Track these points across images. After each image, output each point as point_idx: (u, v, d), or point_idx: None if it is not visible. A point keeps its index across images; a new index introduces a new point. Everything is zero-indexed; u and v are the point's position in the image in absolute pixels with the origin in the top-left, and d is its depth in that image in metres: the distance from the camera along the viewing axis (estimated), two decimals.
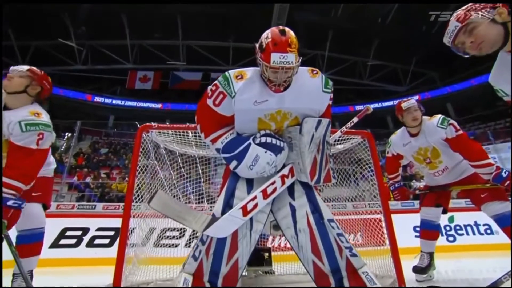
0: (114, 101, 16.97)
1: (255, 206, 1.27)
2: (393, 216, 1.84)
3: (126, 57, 16.23)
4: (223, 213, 1.28)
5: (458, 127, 1.98)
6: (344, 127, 1.91)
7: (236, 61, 16.07)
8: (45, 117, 1.60)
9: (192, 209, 1.31)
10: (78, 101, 16.30)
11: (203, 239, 1.26)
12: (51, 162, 1.86)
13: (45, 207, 1.80)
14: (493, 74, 1.10)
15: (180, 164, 2.46)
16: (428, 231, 2.22)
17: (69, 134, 11.87)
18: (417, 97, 16.04)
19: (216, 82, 1.32)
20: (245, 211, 1.25)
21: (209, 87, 1.34)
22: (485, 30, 0.99)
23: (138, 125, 1.87)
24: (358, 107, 17.36)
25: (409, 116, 2.08)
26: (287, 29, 1.22)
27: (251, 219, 1.29)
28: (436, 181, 2.22)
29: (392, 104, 16.81)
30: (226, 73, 1.32)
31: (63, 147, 11.52)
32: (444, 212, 2.21)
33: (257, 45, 1.27)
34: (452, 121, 2.01)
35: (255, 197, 1.27)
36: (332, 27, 14.81)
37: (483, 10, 1.01)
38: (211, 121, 1.38)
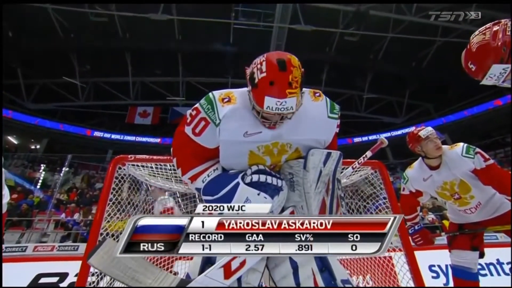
0: (113, 136, 17.03)
1: (242, 264, 0.96)
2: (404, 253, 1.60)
3: (127, 93, 16.73)
4: (202, 271, 0.97)
5: (486, 156, 1.74)
6: (356, 162, 1.68)
7: None
8: None
9: (153, 266, 0.98)
10: (77, 136, 16.37)
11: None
12: (4, 196, 1.60)
13: None
14: None
15: (179, 199, 2.30)
16: (464, 281, 1.85)
17: (66, 169, 11.74)
18: (413, 128, 16.18)
19: (197, 105, 1.07)
20: (228, 271, 0.94)
21: (189, 111, 1.09)
22: None
23: None
24: (356, 139, 17.48)
25: (431, 145, 1.82)
26: (288, 58, 0.95)
27: (239, 280, 0.98)
28: (467, 219, 1.89)
29: (390, 135, 16.95)
30: (210, 94, 1.06)
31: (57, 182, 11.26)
32: (481, 256, 1.86)
33: (247, 72, 1.00)
34: (478, 150, 1.77)
35: None
36: (327, 63, 15.55)
37: None
38: (189, 153, 1.10)
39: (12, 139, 16.15)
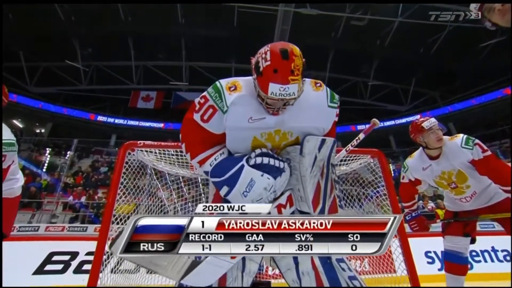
0: (116, 120, 17.11)
1: None
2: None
3: (130, 77, 16.62)
4: None
5: (485, 147, 1.79)
6: (349, 145, 1.73)
7: None
8: (5, 133, 1.43)
9: None
10: (81, 120, 16.49)
11: (183, 285, 1.03)
12: (17, 180, 1.65)
13: (2, 235, 1.54)
14: None
15: (182, 184, 2.36)
16: (455, 264, 1.96)
17: (71, 153, 11.92)
18: (418, 116, 16.09)
19: (205, 93, 1.13)
20: None
21: (197, 100, 1.15)
22: None
23: None
24: (360, 127, 17.33)
25: (433, 136, 1.86)
26: (290, 48, 1.02)
27: (243, 258, 1.06)
28: (462, 207, 1.98)
29: (394, 123, 16.82)
30: (217, 83, 1.13)
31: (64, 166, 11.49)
32: (473, 242, 1.96)
33: (253, 61, 1.08)
34: (477, 141, 1.82)
35: None
36: (332, 48, 15.21)
37: None
38: (198, 139, 1.17)
39: (18, 123, 16.32)
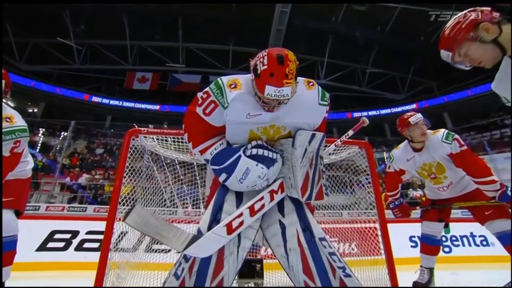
0: (111, 102, 16.87)
1: (241, 223, 1.18)
2: (389, 225, 1.82)
3: (125, 57, 16.21)
4: (209, 228, 1.19)
5: (462, 142, 1.95)
6: (338, 140, 1.85)
7: (236, 64, 16.15)
8: (18, 120, 1.50)
9: (172, 225, 1.21)
10: (75, 100, 16.21)
11: (186, 257, 1.17)
12: (28, 162, 1.77)
13: (18, 213, 1.68)
14: (495, 80, 1.04)
15: (177, 167, 2.43)
16: (429, 246, 2.20)
17: (65, 134, 11.77)
18: (414, 105, 16.26)
19: (207, 89, 1.23)
20: (229, 229, 1.16)
21: (200, 94, 1.26)
22: (478, 51, 0.97)
23: (136, 127, 1.84)
24: (356, 114, 17.45)
25: (418, 131, 2.01)
26: (285, 53, 1.12)
27: (239, 235, 1.21)
28: (440, 195, 2.18)
29: (389, 112, 16.94)
30: (219, 80, 1.23)
31: (58, 147, 11.42)
32: (446, 226, 2.20)
33: (251, 63, 1.17)
34: (456, 136, 1.97)
35: (241, 214, 1.19)
36: (332, 33, 14.95)
37: (467, 33, 0.97)
38: (199, 130, 1.29)
39: (9, 102, 15.96)
